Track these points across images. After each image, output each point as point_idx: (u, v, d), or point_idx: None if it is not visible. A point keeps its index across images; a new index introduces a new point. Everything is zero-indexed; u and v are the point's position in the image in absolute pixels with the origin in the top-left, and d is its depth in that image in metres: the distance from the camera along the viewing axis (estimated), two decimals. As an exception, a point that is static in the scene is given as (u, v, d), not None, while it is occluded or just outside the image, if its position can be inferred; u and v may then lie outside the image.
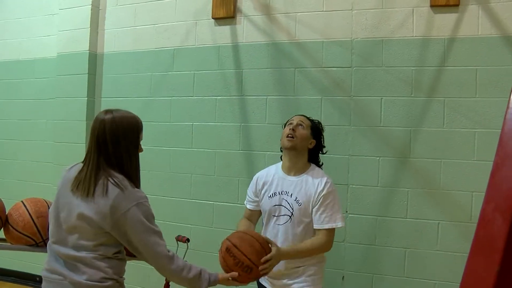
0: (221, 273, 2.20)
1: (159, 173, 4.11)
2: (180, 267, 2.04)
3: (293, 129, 2.54)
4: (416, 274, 3.28)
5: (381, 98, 3.41)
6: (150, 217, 2.00)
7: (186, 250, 2.92)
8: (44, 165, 4.60)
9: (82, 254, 1.91)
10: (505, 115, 0.77)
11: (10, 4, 4.99)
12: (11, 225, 2.54)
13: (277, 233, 2.53)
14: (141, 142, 2.25)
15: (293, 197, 2.51)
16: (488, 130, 3.15)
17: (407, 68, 3.36)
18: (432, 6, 3.30)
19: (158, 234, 2.02)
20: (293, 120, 2.63)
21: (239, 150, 3.81)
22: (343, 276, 3.44)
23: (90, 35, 4.35)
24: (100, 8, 4.44)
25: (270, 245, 2.28)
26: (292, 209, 2.50)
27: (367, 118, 3.44)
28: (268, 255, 2.22)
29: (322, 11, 3.60)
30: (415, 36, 3.35)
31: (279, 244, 2.40)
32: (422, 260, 3.27)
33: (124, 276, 2.07)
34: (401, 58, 3.37)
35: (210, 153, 3.92)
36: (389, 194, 3.37)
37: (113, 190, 1.92)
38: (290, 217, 2.50)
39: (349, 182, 3.45)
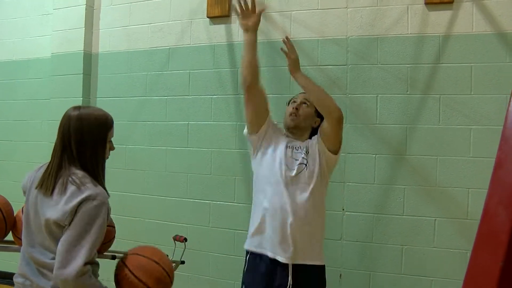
0: None
1: (155, 172, 4.09)
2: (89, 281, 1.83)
3: (296, 108, 2.45)
4: (413, 271, 3.28)
5: (377, 96, 3.41)
6: (98, 217, 1.85)
7: (184, 250, 2.92)
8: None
9: (48, 260, 1.86)
10: (507, 111, 0.77)
11: (4, 4, 4.96)
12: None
13: (290, 182, 2.37)
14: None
15: (304, 150, 2.44)
16: (484, 127, 3.16)
17: (402, 65, 3.36)
18: (426, 3, 3.31)
19: (94, 241, 1.83)
20: (297, 98, 2.52)
21: (235, 149, 3.80)
22: (341, 274, 3.44)
23: (84, 35, 4.33)
24: (94, 8, 4.42)
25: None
26: (306, 159, 2.40)
27: (363, 115, 3.44)
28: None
29: (317, 9, 3.60)
30: (410, 34, 3.36)
31: (296, 198, 2.35)
32: (419, 257, 3.28)
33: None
34: (396, 56, 3.38)
35: (206, 152, 3.91)
36: (386, 191, 3.37)
37: (70, 187, 1.87)
38: (306, 164, 2.38)
39: (345, 179, 3.45)
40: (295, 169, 2.39)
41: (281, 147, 2.46)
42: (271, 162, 2.46)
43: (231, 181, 3.81)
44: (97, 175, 1.98)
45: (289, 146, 2.47)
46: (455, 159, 3.22)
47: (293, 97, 2.59)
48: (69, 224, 1.82)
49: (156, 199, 4.06)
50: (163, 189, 4.07)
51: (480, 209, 0.96)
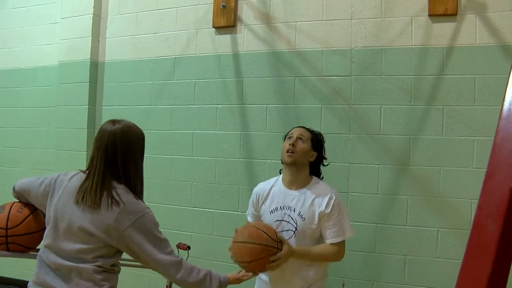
0: (230, 274, 2.26)
1: (160, 181, 4.12)
2: (188, 271, 2.05)
3: (292, 144, 2.46)
4: (416, 281, 3.28)
5: (381, 107, 3.43)
6: (154, 226, 2.01)
7: (187, 258, 2.93)
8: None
9: (80, 265, 1.88)
10: (498, 125, 0.80)
11: (12, 13, 5.02)
12: None
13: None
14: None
15: (296, 212, 2.44)
16: (487, 138, 3.17)
17: (406, 76, 3.38)
18: (430, 15, 3.34)
19: (164, 242, 2.04)
20: (292, 133, 2.54)
21: (239, 158, 3.83)
22: (343, 284, 3.44)
23: (91, 44, 4.38)
24: (101, 17, 4.47)
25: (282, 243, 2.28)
26: (296, 224, 2.43)
27: (366, 126, 3.46)
28: (278, 254, 2.23)
29: (322, 20, 3.63)
30: (414, 45, 3.38)
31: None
32: (422, 267, 3.28)
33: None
34: (400, 67, 3.40)
35: (210, 161, 3.94)
36: (389, 201, 3.38)
37: (117, 203, 1.90)
38: (294, 232, 2.43)
39: (349, 190, 3.46)
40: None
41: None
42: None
43: (235, 190, 3.83)
44: (136, 187, 2.05)
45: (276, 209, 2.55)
46: (458, 170, 3.23)
47: (289, 132, 2.61)
48: (131, 244, 1.93)
49: (160, 207, 4.07)
50: (167, 197, 4.09)
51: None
